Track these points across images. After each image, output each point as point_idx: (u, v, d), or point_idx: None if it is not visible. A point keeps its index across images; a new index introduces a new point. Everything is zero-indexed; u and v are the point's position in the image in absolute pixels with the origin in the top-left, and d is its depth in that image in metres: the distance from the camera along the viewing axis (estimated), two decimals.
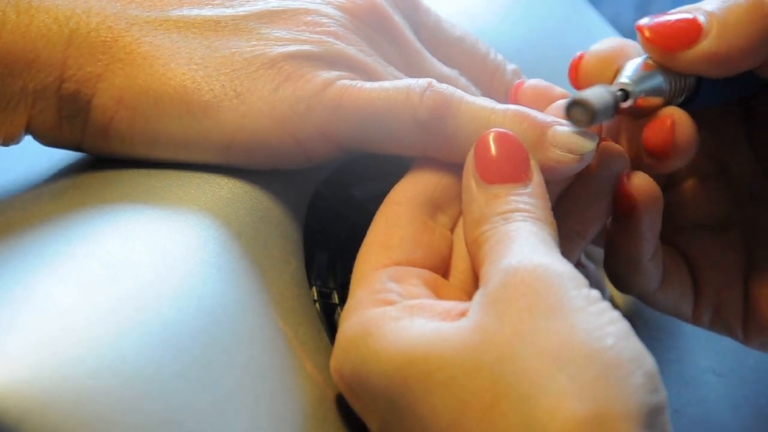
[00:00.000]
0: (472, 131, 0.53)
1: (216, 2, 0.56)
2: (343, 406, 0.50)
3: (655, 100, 0.56)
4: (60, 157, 0.56)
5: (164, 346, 0.45)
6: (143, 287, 0.47)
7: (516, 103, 0.59)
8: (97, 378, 0.43)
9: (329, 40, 0.55)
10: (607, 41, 0.59)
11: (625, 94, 0.54)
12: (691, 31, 0.55)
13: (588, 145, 0.53)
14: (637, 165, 0.57)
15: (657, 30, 0.56)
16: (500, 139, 0.52)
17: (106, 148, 0.54)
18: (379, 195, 0.55)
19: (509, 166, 0.52)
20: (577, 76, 0.59)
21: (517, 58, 0.66)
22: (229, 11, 0.55)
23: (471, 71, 0.62)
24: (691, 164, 0.61)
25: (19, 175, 0.55)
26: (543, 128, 0.53)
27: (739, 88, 0.59)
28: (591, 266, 0.65)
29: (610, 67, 0.57)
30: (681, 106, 0.57)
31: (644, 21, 0.56)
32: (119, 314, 0.45)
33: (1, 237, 0.49)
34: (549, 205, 0.52)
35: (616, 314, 0.46)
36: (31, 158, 0.56)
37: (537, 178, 0.52)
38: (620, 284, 0.59)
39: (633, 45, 0.59)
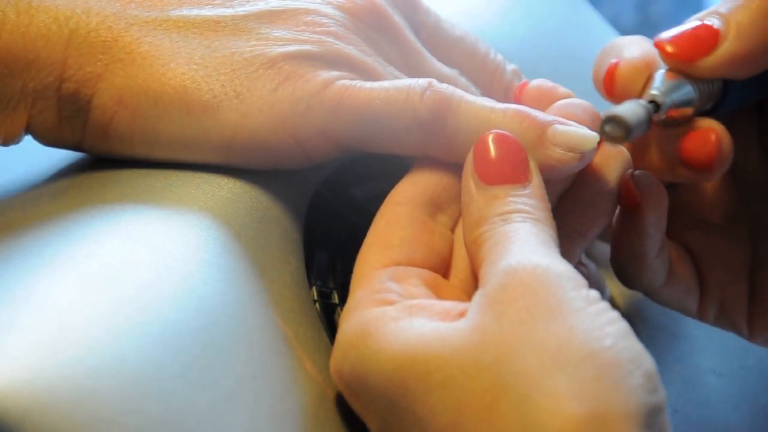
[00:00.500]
0: (473, 130, 0.53)
1: (216, 2, 0.56)
2: (343, 405, 0.50)
3: (686, 110, 0.56)
4: (60, 157, 0.56)
5: (164, 346, 0.45)
6: (143, 287, 0.47)
7: (520, 102, 0.59)
8: (97, 378, 0.43)
9: (329, 40, 0.55)
10: (634, 44, 0.59)
11: (657, 106, 0.54)
12: (710, 37, 0.55)
13: (588, 143, 0.53)
14: (671, 174, 0.57)
15: (677, 43, 0.56)
16: (499, 140, 0.52)
17: (106, 148, 0.54)
18: (379, 195, 0.55)
19: (508, 167, 0.52)
20: (613, 85, 0.58)
21: (517, 58, 0.66)
22: (228, 11, 0.55)
23: (471, 71, 0.62)
24: None
25: (19, 175, 0.55)
26: (543, 127, 0.53)
27: (764, 87, 0.59)
28: (591, 266, 0.65)
29: (643, 76, 0.57)
30: (710, 111, 0.57)
31: (663, 36, 0.56)
32: (119, 314, 0.45)
33: (1, 237, 0.49)
34: (548, 205, 0.52)
35: (615, 314, 0.46)
36: (31, 158, 0.56)
37: (536, 179, 0.52)
38: (626, 280, 0.59)
39: None
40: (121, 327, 0.45)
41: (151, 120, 0.53)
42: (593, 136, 0.54)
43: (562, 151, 0.53)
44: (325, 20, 0.56)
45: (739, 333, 0.61)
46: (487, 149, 0.52)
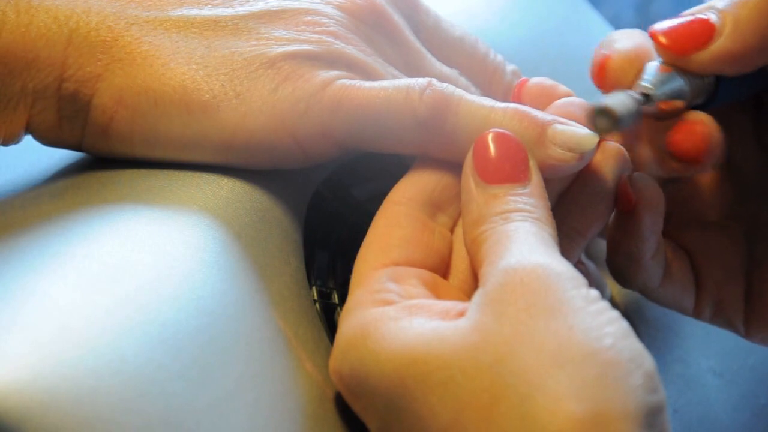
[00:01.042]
0: (472, 129, 0.53)
1: (216, 2, 0.56)
2: (342, 405, 0.50)
3: (677, 103, 0.56)
4: (60, 157, 0.56)
5: (164, 346, 0.45)
6: (143, 287, 0.47)
7: (520, 100, 0.59)
8: (97, 378, 0.43)
9: (329, 39, 0.55)
10: (628, 36, 0.59)
11: (647, 99, 0.54)
12: (705, 31, 0.55)
13: (588, 143, 0.53)
14: (660, 167, 0.57)
15: (671, 35, 0.55)
16: (499, 139, 0.52)
17: (106, 148, 0.54)
18: (379, 195, 0.55)
19: (508, 166, 0.52)
20: (605, 77, 0.58)
21: (517, 58, 0.66)
22: (228, 11, 0.55)
23: (470, 71, 0.62)
24: None
25: (19, 175, 0.55)
26: (543, 126, 0.53)
27: (756, 84, 0.58)
28: (591, 265, 0.65)
29: (635, 67, 0.57)
30: (701, 106, 0.57)
31: (658, 27, 0.56)
32: (119, 314, 0.45)
33: (1, 237, 0.49)
34: (548, 205, 0.52)
35: (615, 314, 0.46)
36: (31, 158, 0.56)
37: (536, 178, 0.52)
38: (622, 280, 0.59)
39: None
40: (120, 327, 0.45)
41: (150, 120, 0.53)
42: (593, 136, 0.53)
43: (562, 151, 0.53)
44: (324, 20, 0.56)
45: (735, 331, 0.61)
46: (487, 148, 0.52)
